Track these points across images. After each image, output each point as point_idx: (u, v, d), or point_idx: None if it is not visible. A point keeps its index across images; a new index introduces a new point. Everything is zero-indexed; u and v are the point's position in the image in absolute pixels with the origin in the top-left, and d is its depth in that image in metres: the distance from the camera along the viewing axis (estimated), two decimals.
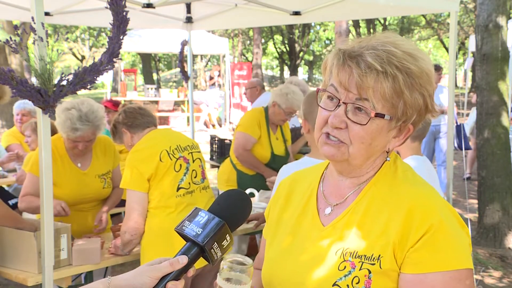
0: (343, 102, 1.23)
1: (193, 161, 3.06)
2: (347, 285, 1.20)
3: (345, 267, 1.22)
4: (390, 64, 1.19)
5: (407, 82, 1.20)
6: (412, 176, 1.31)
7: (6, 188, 5.33)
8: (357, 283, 1.19)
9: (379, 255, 1.19)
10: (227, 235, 1.15)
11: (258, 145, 4.36)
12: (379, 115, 1.21)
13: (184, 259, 1.12)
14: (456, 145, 6.55)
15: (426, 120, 2.68)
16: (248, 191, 3.89)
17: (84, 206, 3.47)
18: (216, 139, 6.23)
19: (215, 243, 1.13)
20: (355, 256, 1.22)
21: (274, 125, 4.49)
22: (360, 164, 1.29)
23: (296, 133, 5.13)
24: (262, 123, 4.39)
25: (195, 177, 3.04)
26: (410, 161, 2.70)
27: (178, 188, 2.96)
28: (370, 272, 1.19)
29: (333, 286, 1.21)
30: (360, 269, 1.20)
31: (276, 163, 4.43)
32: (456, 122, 6.28)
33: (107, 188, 3.55)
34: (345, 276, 1.21)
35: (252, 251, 5.04)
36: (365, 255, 1.21)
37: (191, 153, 3.08)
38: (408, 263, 1.18)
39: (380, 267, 1.19)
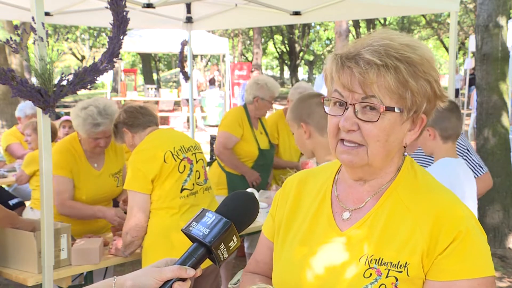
0: (350, 104, 1.20)
1: (197, 162, 3.05)
2: None
3: (370, 274, 1.20)
4: (389, 56, 1.18)
5: (410, 71, 1.19)
6: (433, 182, 1.30)
7: (6, 188, 5.33)
8: None
9: (406, 263, 1.18)
10: (234, 236, 1.15)
11: (243, 142, 4.40)
12: (389, 109, 1.19)
13: (191, 272, 1.11)
14: None
15: (452, 119, 2.53)
16: (248, 191, 3.88)
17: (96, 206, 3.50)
18: None
19: (222, 244, 1.13)
20: (381, 263, 1.20)
21: (255, 119, 4.54)
22: (381, 164, 1.26)
23: None
24: (244, 121, 4.43)
25: (198, 178, 3.03)
26: (444, 164, 2.50)
27: (182, 189, 2.94)
28: (397, 280, 1.18)
29: None
30: (386, 277, 1.18)
31: (264, 158, 4.47)
32: None
33: (120, 187, 3.60)
34: (371, 283, 1.19)
35: (237, 252, 4.99)
36: (391, 262, 1.19)
37: (195, 153, 3.06)
38: (435, 270, 1.18)
39: (408, 275, 1.18)
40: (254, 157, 4.43)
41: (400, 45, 1.20)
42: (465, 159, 2.93)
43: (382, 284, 1.18)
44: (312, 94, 2.50)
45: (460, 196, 2.48)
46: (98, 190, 3.48)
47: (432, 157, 2.69)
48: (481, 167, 3.03)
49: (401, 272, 1.18)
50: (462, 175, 2.54)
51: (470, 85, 15.90)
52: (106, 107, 3.30)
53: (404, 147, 1.29)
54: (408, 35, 1.28)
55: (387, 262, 1.20)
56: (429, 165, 2.71)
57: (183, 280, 1.11)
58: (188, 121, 13.98)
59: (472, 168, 2.96)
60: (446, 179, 2.42)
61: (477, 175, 3.01)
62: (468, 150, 2.99)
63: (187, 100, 15.10)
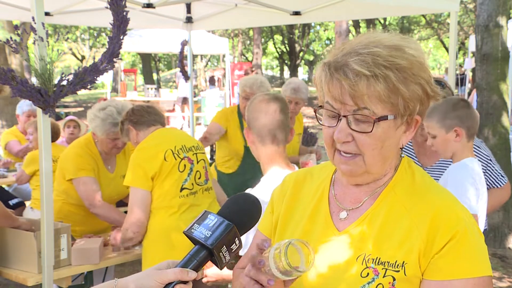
0: (343, 116, 1.21)
1: (197, 162, 3.06)
2: None
3: (368, 274, 1.20)
4: (377, 65, 1.17)
5: (400, 78, 1.18)
6: (431, 182, 1.31)
7: (6, 188, 5.34)
8: None
9: (403, 262, 1.19)
10: (236, 238, 1.14)
11: (227, 139, 4.51)
12: (382, 118, 1.19)
13: (193, 275, 1.11)
14: None
15: (475, 117, 2.56)
16: (248, 192, 3.89)
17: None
18: None
19: (224, 246, 1.12)
20: (378, 262, 1.20)
21: None
22: (380, 169, 1.27)
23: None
24: (231, 117, 4.53)
25: (198, 178, 3.04)
26: (474, 163, 2.46)
27: (182, 189, 2.94)
28: (394, 279, 1.18)
29: None
30: (384, 276, 1.19)
31: (251, 156, 4.50)
32: None
33: (129, 188, 3.61)
34: (368, 283, 1.19)
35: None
36: (389, 262, 1.20)
37: (196, 153, 3.07)
38: (432, 269, 1.18)
39: (405, 274, 1.18)
40: (240, 154, 4.47)
41: (387, 51, 1.19)
42: (488, 169, 2.91)
43: (380, 283, 1.19)
44: (263, 99, 2.24)
45: (484, 194, 2.49)
46: (113, 192, 3.50)
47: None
48: (503, 177, 3.00)
49: (398, 271, 1.19)
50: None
51: (461, 85, 16.00)
52: (124, 106, 3.35)
53: (401, 148, 1.29)
54: (401, 35, 1.25)
55: (385, 262, 1.20)
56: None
57: (185, 282, 1.11)
58: (188, 120, 13.99)
59: (495, 178, 2.95)
60: (480, 177, 2.44)
61: (499, 185, 2.97)
62: (490, 160, 2.96)
63: (182, 100, 15.14)
